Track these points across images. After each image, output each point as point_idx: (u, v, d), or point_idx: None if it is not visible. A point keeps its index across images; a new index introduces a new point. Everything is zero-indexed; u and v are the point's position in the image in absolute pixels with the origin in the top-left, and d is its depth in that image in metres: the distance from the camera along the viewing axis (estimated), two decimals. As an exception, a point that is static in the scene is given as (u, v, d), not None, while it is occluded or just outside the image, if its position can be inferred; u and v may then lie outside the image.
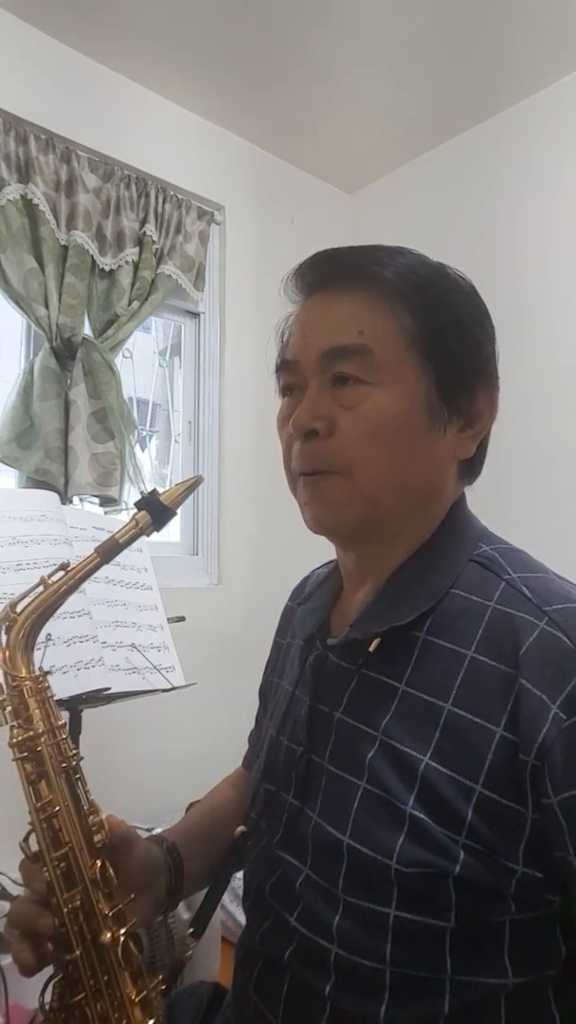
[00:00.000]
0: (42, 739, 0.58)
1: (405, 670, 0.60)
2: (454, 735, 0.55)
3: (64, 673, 1.14)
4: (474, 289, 0.66)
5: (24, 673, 0.60)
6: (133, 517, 0.62)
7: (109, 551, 0.61)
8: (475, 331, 0.64)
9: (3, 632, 0.62)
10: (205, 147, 2.39)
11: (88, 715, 1.29)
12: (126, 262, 2.10)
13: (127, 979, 0.56)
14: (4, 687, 0.60)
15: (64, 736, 0.60)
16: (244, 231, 2.48)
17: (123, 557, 1.42)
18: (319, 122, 2.39)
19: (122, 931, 0.56)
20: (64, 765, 0.59)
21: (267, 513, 2.35)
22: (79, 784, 0.59)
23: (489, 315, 0.67)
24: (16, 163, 1.90)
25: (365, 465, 0.60)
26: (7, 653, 0.61)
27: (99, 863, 0.57)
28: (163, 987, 0.60)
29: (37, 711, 0.60)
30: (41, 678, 0.61)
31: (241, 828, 0.70)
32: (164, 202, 2.21)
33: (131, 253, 2.11)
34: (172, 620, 1.44)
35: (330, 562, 0.81)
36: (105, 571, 1.36)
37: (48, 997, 0.56)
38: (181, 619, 1.49)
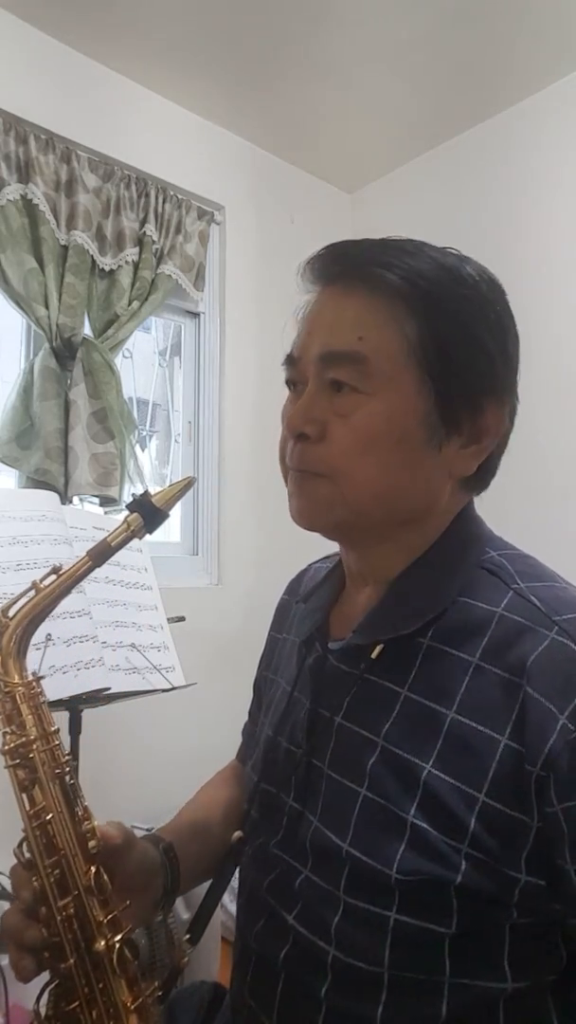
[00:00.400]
0: (35, 745, 0.58)
1: (408, 676, 0.59)
2: (457, 743, 0.54)
3: (64, 673, 1.14)
4: (494, 292, 0.61)
5: (16, 679, 0.59)
6: (125, 520, 0.61)
7: (101, 554, 0.60)
8: (486, 342, 0.59)
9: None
10: (205, 147, 2.38)
11: (88, 715, 1.29)
12: (126, 262, 2.10)
13: (122, 986, 0.55)
14: None
15: (57, 742, 0.59)
16: (244, 231, 2.47)
17: (123, 557, 1.43)
18: (319, 122, 2.39)
19: (117, 938, 0.55)
20: (57, 771, 0.58)
21: (267, 513, 2.35)
22: (73, 790, 0.59)
23: (509, 321, 0.62)
24: (16, 163, 1.90)
25: (350, 475, 0.59)
26: None
27: (93, 869, 0.57)
28: (159, 993, 0.59)
29: (30, 717, 0.59)
30: (34, 683, 0.60)
31: (238, 833, 0.69)
32: (164, 202, 2.21)
33: (131, 253, 2.11)
34: (172, 620, 1.44)
35: (329, 557, 0.81)
36: (105, 571, 1.37)
37: (43, 1004, 0.56)
38: (181, 619, 1.49)
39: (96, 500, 2.00)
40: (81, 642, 1.20)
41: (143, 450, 2.41)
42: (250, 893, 0.67)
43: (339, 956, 0.55)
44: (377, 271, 0.59)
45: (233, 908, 1.63)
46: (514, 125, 2.26)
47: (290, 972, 0.59)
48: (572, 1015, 0.57)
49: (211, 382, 2.42)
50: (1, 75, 1.89)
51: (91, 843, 0.57)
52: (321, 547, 0.74)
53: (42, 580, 0.61)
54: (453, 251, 0.63)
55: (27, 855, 0.57)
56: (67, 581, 0.60)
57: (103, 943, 0.55)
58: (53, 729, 0.60)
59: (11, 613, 0.61)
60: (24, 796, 0.57)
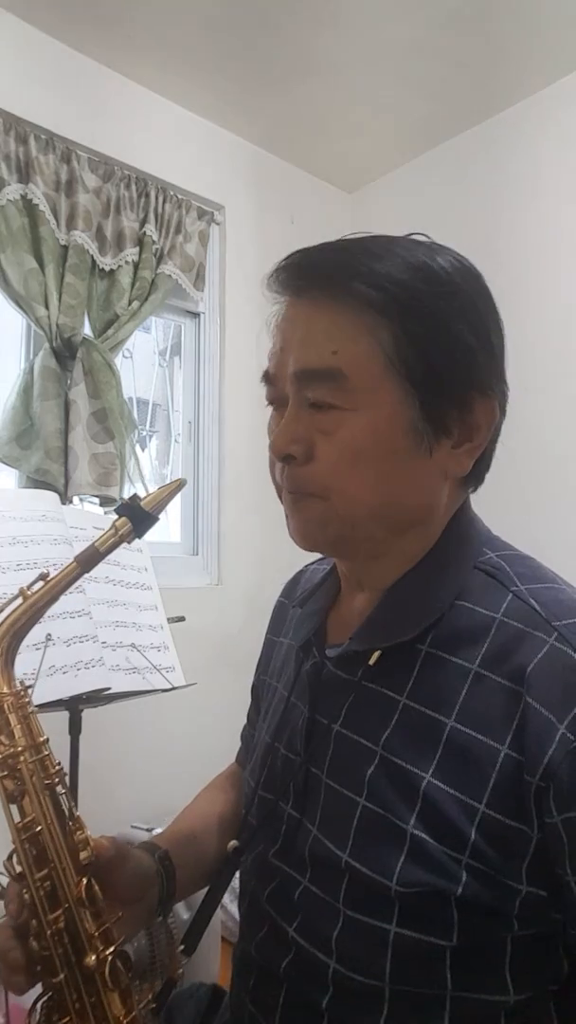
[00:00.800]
0: (23, 756, 0.57)
1: (406, 683, 0.58)
2: (457, 752, 0.53)
3: (64, 673, 1.14)
4: (469, 282, 0.59)
5: (5, 689, 0.59)
6: (113, 524, 0.60)
7: (89, 560, 0.59)
8: (466, 337, 0.57)
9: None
10: (205, 147, 2.38)
11: (88, 715, 1.30)
12: (126, 262, 2.09)
13: (115, 999, 0.55)
14: None
15: (47, 752, 0.58)
16: (244, 231, 2.47)
17: (123, 557, 1.43)
18: (319, 122, 2.39)
19: (109, 951, 0.55)
20: (47, 782, 0.57)
21: (267, 513, 2.33)
22: (64, 800, 0.58)
23: (488, 308, 0.60)
24: (16, 163, 1.89)
25: (342, 491, 0.57)
26: None
27: (85, 881, 0.56)
28: (153, 1006, 0.59)
29: (19, 727, 0.58)
30: (22, 693, 0.59)
31: (234, 843, 0.69)
32: (164, 202, 2.21)
33: (131, 253, 2.10)
34: (172, 620, 1.44)
35: (325, 558, 0.80)
36: (105, 571, 1.37)
37: (36, 1018, 0.55)
38: (181, 619, 1.49)
39: (96, 500, 2.00)
40: (81, 642, 1.20)
41: (143, 450, 2.41)
42: (251, 903, 0.66)
43: (340, 969, 0.54)
44: (343, 282, 0.56)
45: (233, 908, 1.63)
46: (514, 125, 2.26)
47: (292, 982, 0.58)
48: None
49: (211, 382, 2.42)
50: (1, 75, 1.89)
51: (83, 854, 0.56)
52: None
53: (30, 586, 0.60)
54: (424, 240, 0.60)
55: (17, 868, 0.56)
56: (55, 588, 0.59)
57: (94, 957, 0.54)
58: (43, 739, 0.59)
59: (-2, 621, 0.60)
60: (12, 807, 0.56)
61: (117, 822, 1.57)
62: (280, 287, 0.61)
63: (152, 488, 0.72)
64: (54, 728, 0.69)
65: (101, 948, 0.55)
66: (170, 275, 2.19)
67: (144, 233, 2.14)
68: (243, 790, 0.76)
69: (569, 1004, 0.57)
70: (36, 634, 1.06)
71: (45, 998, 0.55)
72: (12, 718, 0.58)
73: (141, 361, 2.38)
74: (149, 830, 1.48)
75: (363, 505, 0.58)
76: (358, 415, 0.56)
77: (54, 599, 0.59)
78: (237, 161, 2.47)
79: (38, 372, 1.89)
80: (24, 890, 0.55)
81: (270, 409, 0.65)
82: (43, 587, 0.59)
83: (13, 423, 1.87)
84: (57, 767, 0.58)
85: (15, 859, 0.56)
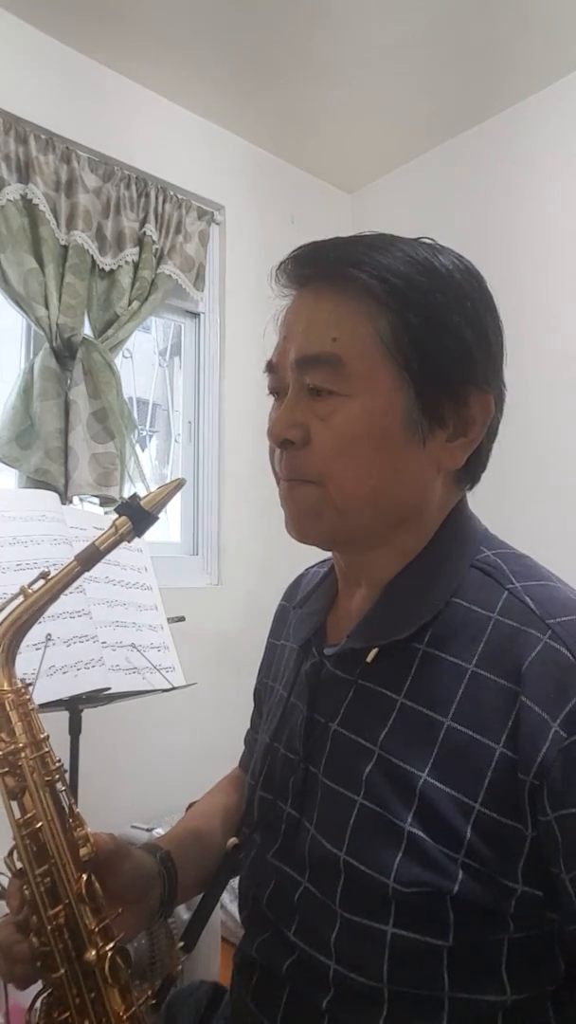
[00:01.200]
0: (24, 752, 0.57)
1: (404, 682, 0.58)
2: (453, 751, 0.54)
3: (64, 673, 1.14)
4: (469, 281, 0.60)
5: (6, 686, 0.59)
6: (113, 523, 0.60)
7: (89, 558, 0.60)
8: (462, 332, 0.58)
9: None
10: (205, 147, 2.38)
11: (88, 715, 1.30)
12: (126, 262, 2.10)
13: (115, 995, 0.55)
14: None
15: (48, 749, 0.59)
16: (244, 231, 2.47)
17: (123, 557, 1.43)
18: (319, 122, 2.39)
19: (108, 947, 0.55)
20: (48, 779, 0.58)
21: (267, 513, 2.34)
22: (64, 797, 0.58)
23: (487, 308, 0.61)
24: (16, 163, 1.90)
25: (336, 478, 0.58)
26: None
27: (85, 877, 0.56)
28: (153, 1002, 0.59)
29: (19, 724, 0.58)
30: (23, 690, 0.60)
31: (233, 840, 0.69)
32: (164, 202, 2.21)
33: (131, 253, 2.11)
34: (172, 620, 1.44)
35: (325, 561, 0.80)
36: (105, 571, 1.37)
37: (36, 1014, 0.55)
38: (181, 619, 1.49)
39: (96, 500, 2.00)
40: (81, 642, 1.20)
41: (143, 450, 2.41)
42: (252, 907, 0.66)
43: (340, 970, 0.55)
44: (347, 271, 0.58)
45: (233, 908, 1.63)
46: (514, 125, 2.26)
47: (294, 983, 0.59)
48: None
49: (211, 382, 2.42)
50: (1, 75, 1.89)
51: (83, 851, 0.57)
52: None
53: (30, 585, 0.60)
54: (428, 241, 0.62)
55: (18, 864, 0.56)
56: (55, 586, 0.59)
57: (94, 952, 0.54)
58: (43, 736, 0.59)
59: (-2, 620, 0.61)
60: (13, 804, 0.56)
61: (117, 822, 1.57)
62: (287, 279, 0.63)
63: (152, 488, 0.72)
64: (54, 728, 0.69)
65: (101, 944, 0.55)
66: (170, 275, 2.20)
67: (144, 233, 2.14)
68: (244, 791, 0.76)
69: (566, 1004, 0.57)
70: (36, 634, 1.06)
71: (45, 994, 0.55)
72: (13, 715, 0.58)
73: (141, 361, 2.38)
74: (149, 830, 1.48)
75: (356, 492, 0.58)
76: (354, 401, 0.58)
77: (55, 597, 0.60)
78: (237, 161, 2.47)
79: (38, 372, 1.89)
80: (24, 886, 0.55)
81: (269, 409, 0.65)
82: (44, 585, 0.59)
83: (13, 423, 1.87)
84: (57, 764, 0.59)
85: (16, 855, 0.56)
